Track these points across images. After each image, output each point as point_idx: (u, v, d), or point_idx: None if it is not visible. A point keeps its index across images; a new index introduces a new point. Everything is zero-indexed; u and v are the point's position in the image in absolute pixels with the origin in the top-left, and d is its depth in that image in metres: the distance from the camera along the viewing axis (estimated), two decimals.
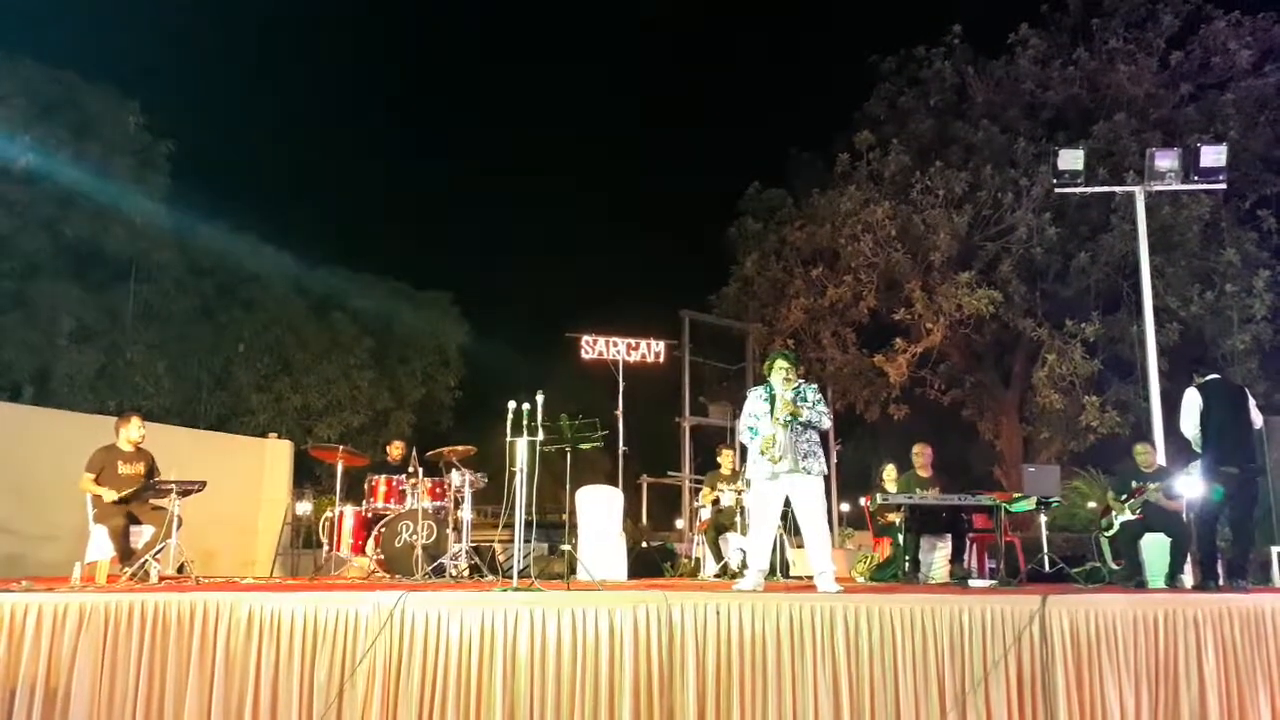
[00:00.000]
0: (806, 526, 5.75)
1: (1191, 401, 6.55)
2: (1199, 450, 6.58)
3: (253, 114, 22.77)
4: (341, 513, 7.85)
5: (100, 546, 6.51)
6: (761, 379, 6.08)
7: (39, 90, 14.30)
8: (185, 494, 6.46)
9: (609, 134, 35.88)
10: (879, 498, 7.79)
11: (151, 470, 6.87)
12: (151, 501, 6.69)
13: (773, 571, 6.99)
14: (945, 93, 16.91)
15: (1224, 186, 10.51)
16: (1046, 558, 7.83)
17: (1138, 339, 11.54)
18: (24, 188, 14.08)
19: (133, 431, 6.85)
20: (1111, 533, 7.45)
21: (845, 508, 17.89)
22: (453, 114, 36.69)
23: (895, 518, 8.08)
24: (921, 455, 8.25)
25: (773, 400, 5.78)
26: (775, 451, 5.63)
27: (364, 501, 7.87)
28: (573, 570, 6.74)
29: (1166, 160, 9.62)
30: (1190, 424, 6.56)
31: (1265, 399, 11.40)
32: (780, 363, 5.89)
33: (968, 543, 7.81)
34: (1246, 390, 6.74)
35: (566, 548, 6.99)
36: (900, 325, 15.41)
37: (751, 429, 5.85)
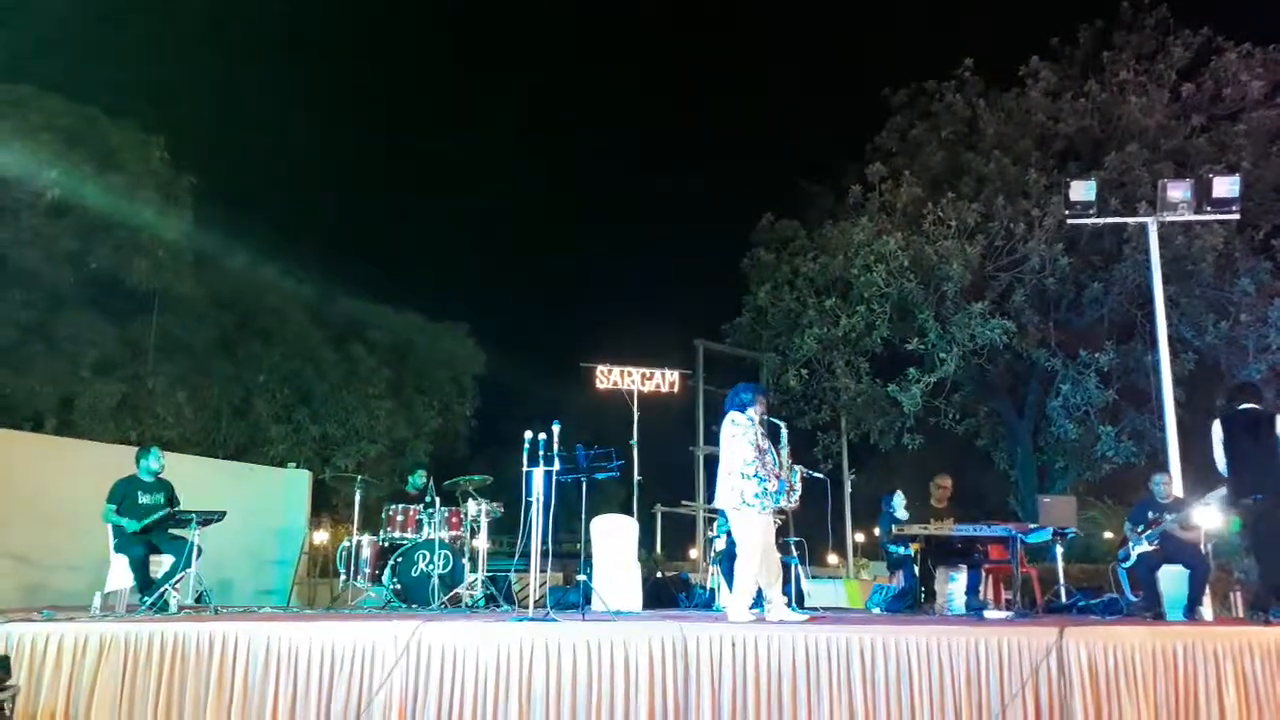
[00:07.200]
0: (772, 555, 5.95)
1: (1215, 434, 6.56)
2: None
3: (275, 149, 23.14)
4: (359, 542, 7.90)
5: (120, 576, 6.59)
6: (770, 407, 6.19)
7: (65, 124, 14.58)
8: (205, 523, 6.52)
9: (623, 165, 36.31)
10: (892, 528, 7.76)
11: (171, 500, 6.94)
12: (171, 531, 6.76)
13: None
14: (957, 125, 17.01)
15: (1237, 217, 10.49)
16: (1063, 589, 7.78)
17: (1152, 369, 11.48)
18: (50, 221, 14.33)
19: (153, 462, 6.94)
20: (1129, 564, 7.40)
21: (860, 538, 17.75)
22: (467, 149, 37.24)
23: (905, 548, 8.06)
24: (944, 488, 8.21)
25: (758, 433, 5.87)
26: (795, 496, 5.85)
27: (381, 531, 7.92)
28: (588, 600, 6.75)
29: (1179, 191, 9.65)
30: (1218, 457, 6.55)
31: None
32: (763, 397, 6.07)
33: (983, 574, 7.78)
34: (1277, 418, 6.47)
35: (582, 578, 7.00)
36: (914, 355, 15.40)
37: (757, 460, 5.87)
